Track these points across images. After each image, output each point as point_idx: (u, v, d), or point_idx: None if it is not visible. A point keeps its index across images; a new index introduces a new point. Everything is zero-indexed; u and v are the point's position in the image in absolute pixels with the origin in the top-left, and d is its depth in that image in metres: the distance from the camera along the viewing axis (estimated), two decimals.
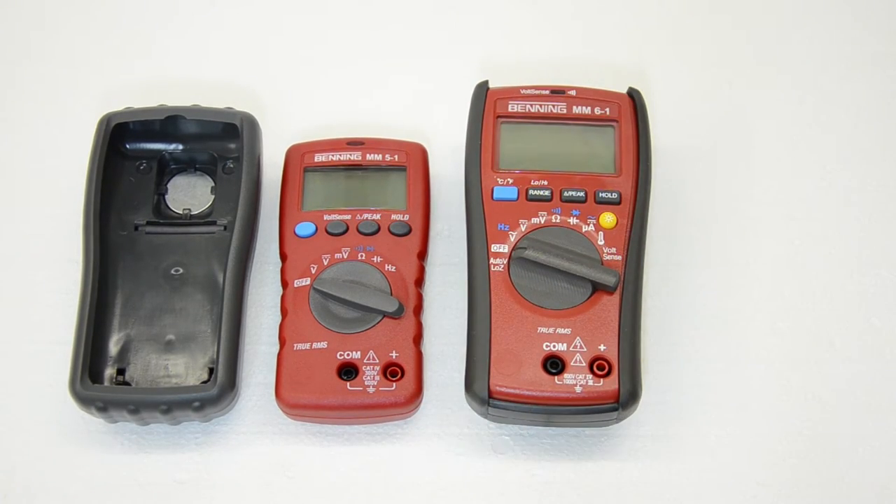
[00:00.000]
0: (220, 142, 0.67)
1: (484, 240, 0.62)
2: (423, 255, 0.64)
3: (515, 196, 0.63)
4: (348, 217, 0.64)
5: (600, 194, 0.62)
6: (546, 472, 0.60)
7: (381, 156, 0.66)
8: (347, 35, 0.76)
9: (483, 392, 0.58)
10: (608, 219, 0.62)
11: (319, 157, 0.66)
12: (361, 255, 0.63)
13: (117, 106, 0.67)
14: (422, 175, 0.66)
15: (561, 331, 0.59)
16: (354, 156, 0.66)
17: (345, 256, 0.62)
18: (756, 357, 0.64)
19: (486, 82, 0.67)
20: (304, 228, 0.63)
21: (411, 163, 0.66)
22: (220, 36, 0.75)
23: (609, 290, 0.60)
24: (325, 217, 0.64)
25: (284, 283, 0.62)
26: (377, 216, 0.64)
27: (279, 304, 0.63)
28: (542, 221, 0.62)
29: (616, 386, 0.58)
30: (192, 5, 0.77)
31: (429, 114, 0.72)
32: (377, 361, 0.60)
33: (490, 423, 0.61)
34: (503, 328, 0.59)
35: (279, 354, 0.61)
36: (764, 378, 0.63)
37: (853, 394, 0.63)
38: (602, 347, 0.58)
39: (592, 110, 0.66)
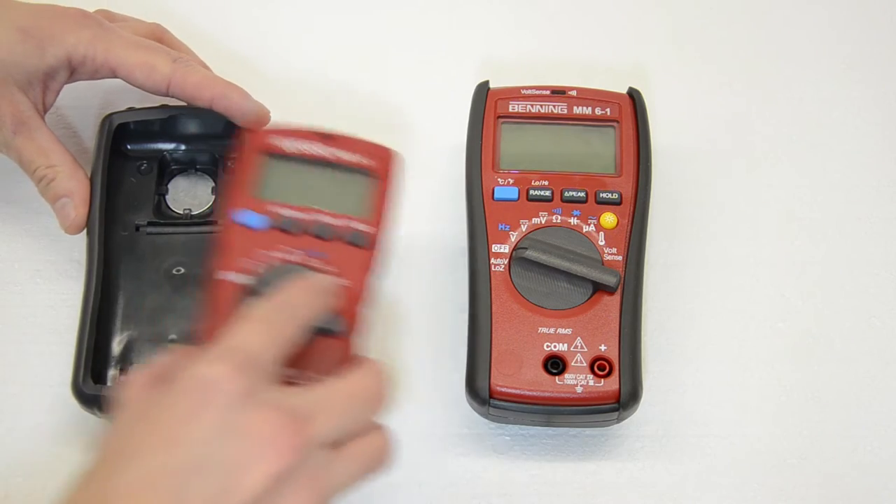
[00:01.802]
0: (221, 142, 0.67)
1: (485, 240, 0.62)
2: (375, 271, 0.55)
3: (516, 196, 0.63)
4: (302, 216, 0.55)
5: (601, 194, 0.62)
6: (546, 472, 0.60)
7: (351, 155, 0.57)
8: (348, 35, 0.76)
9: (484, 392, 0.58)
10: (609, 219, 0.62)
11: (284, 144, 0.57)
12: (313, 263, 0.54)
13: (119, 106, 0.67)
14: (391, 184, 0.57)
15: (562, 331, 0.59)
16: (322, 149, 0.57)
17: (294, 259, 0.54)
18: (756, 357, 0.64)
19: (486, 82, 0.67)
20: (247, 217, 0.55)
21: (382, 170, 0.57)
22: (219, 36, 0.75)
23: (610, 291, 0.60)
24: (277, 210, 0.55)
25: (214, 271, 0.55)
26: (335, 220, 0.55)
27: None
28: (543, 221, 0.62)
29: (617, 386, 0.58)
30: (192, 5, 0.77)
31: (429, 114, 0.72)
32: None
33: (490, 423, 0.61)
34: (504, 328, 0.59)
35: None
36: (764, 378, 0.63)
37: (853, 394, 0.63)
38: (603, 347, 0.59)
39: (593, 110, 0.66)
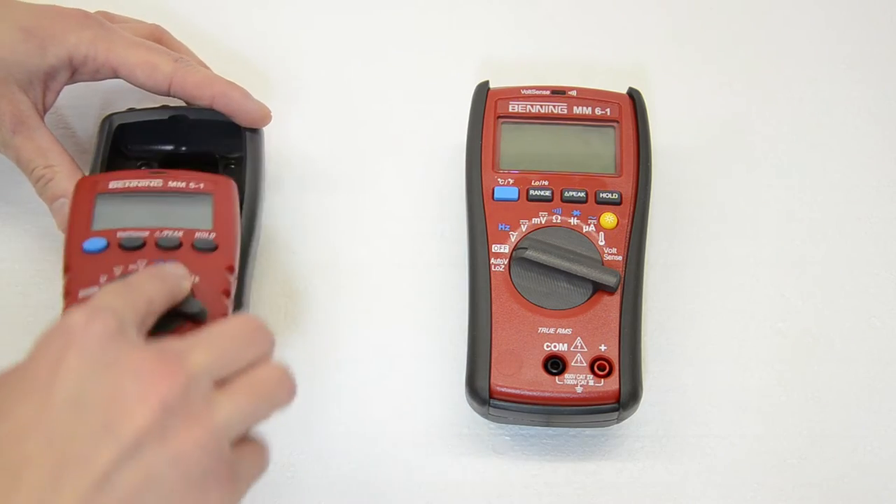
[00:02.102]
0: (222, 142, 0.67)
1: (485, 240, 0.62)
2: (232, 269, 0.58)
3: (516, 196, 0.63)
4: (146, 234, 0.58)
5: (601, 194, 0.62)
6: (546, 472, 0.60)
7: (185, 183, 0.61)
8: (348, 36, 0.76)
9: (484, 392, 0.58)
10: (609, 219, 0.62)
11: (115, 185, 0.60)
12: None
13: (119, 107, 0.67)
14: (230, 201, 0.60)
15: (562, 331, 0.59)
16: (155, 182, 0.61)
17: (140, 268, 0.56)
18: (756, 357, 0.64)
19: (486, 82, 0.67)
20: (94, 244, 0.57)
21: (219, 191, 0.61)
22: (219, 36, 0.75)
23: (610, 291, 0.60)
24: (119, 234, 0.58)
25: (67, 294, 0.56)
26: (179, 233, 0.58)
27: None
28: (543, 222, 0.62)
29: (617, 386, 0.58)
30: (193, 6, 0.77)
31: (429, 114, 0.72)
32: None
33: (490, 424, 0.61)
34: (504, 328, 0.59)
35: None
36: (764, 378, 0.63)
37: (853, 394, 0.63)
38: (603, 347, 0.59)
39: (593, 110, 0.66)
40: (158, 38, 0.69)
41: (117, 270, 0.56)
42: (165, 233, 0.58)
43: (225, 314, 0.56)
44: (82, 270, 0.56)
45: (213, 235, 0.58)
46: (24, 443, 0.41)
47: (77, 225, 0.59)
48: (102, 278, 0.56)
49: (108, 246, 0.57)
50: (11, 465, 0.40)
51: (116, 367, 0.43)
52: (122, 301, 0.47)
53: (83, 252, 0.57)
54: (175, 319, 0.53)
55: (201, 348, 0.46)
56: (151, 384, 0.43)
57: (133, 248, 0.57)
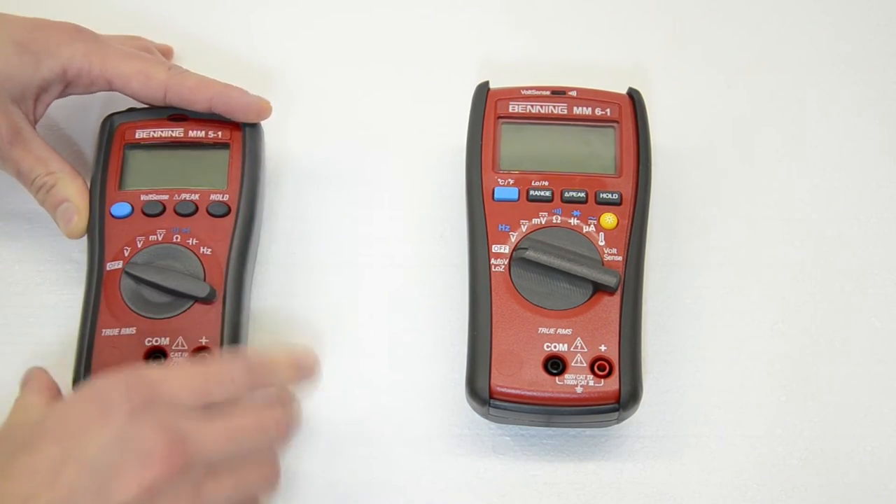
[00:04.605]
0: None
1: (485, 240, 0.62)
2: (237, 236, 0.62)
3: (516, 196, 0.63)
4: (165, 197, 0.62)
5: (601, 195, 0.62)
6: (546, 472, 0.60)
7: (204, 133, 0.65)
8: (348, 37, 0.76)
9: (484, 392, 0.58)
10: (609, 219, 0.62)
11: (141, 133, 0.65)
12: (177, 238, 0.61)
13: (120, 106, 0.67)
14: (246, 154, 0.64)
15: (562, 331, 0.59)
16: (176, 132, 0.65)
17: (160, 238, 0.61)
18: (756, 357, 0.64)
19: (486, 83, 0.67)
20: (120, 209, 0.62)
21: (234, 141, 0.65)
22: (221, 37, 0.75)
23: (610, 291, 0.60)
24: (143, 197, 0.62)
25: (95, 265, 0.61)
26: (195, 196, 0.62)
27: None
28: (543, 222, 0.62)
29: (617, 386, 0.58)
30: (193, 6, 0.77)
31: (429, 114, 0.72)
32: (186, 347, 0.59)
33: (490, 424, 0.61)
34: (504, 329, 0.59)
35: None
36: (764, 378, 0.64)
37: (853, 394, 0.63)
38: (603, 348, 0.59)
39: (593, 111, 0.66)
40: (149, 52, 0.69)
41: (140, 242, 0.61)
42: (183, 195, 0.62)
43: (225, 292, 0.60)
44: (110, 240, 0.61)
45: (226, 198, 0.62)
46: (36, 479, 0.46)
47: (110, 184, 0.63)
48: (126, 251, 0.61)
49: (132, 212, 0.62)
50: (23, 496, 0.46)
51: (130, 440, 0.47)
52: (188, 391, 0.50)
53: (111, 221, 0.62)
54: (186, 301, 0.59)
55: (214, 443, 0.49)
56: (148, 463, 0.47)
57: (154, 215, 0.62)
